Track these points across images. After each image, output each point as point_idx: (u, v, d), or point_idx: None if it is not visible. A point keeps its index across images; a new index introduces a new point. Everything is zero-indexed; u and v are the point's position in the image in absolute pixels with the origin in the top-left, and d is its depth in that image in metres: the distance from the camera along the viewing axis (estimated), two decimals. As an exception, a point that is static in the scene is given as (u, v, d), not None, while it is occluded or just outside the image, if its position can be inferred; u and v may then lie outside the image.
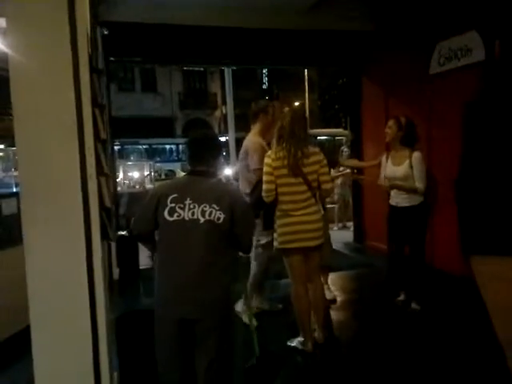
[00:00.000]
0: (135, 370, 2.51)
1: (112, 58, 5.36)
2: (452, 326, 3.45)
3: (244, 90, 19.15)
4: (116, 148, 20.10)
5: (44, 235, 1.86)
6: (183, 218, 2.01)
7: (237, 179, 4.09)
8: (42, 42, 1.78)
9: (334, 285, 4.48)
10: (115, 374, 2.39)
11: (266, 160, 2.96)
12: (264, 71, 22.86)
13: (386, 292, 4.02)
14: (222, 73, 15.47)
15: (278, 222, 2.99)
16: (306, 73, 19.61)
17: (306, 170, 2.90)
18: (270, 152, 3.00)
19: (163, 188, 2.19)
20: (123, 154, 21.65)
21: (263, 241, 3.64)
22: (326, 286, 3.92)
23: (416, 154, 3.59)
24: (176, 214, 2.01)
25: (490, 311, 0.27)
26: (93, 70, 1.92)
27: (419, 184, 3.56)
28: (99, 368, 1.96)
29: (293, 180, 2.90)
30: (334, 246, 4.91)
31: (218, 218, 2.01)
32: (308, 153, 2.90)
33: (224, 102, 17.36)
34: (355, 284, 4.81)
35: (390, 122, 3.77)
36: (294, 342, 3.14)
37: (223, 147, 2.38)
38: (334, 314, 3.83)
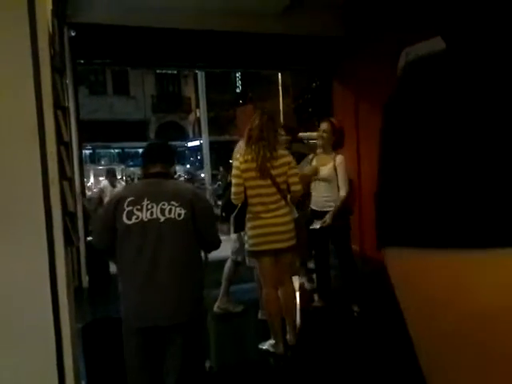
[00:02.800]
0: (103, 379, 2.44)
1: (81, 61, 5.24)
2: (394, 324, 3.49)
3: (218, 94, 19.12)
4: (87, 152, 19.74)
5: (4, 242, 1.78)
6: (142, 219, 1.92)
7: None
8: (0, 40, 1.72)
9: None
10: (82, 384, 2.31)
11: (235, 163, 2.96)
12: (237, 75, 22.89)
13: (342, 297, 4.02)
14: (195, 76, 15.40)
15: (249, 224, 2.98)
16: (279, 76, 19.75)
17: (274, 172, 2.90)
18: (238, 155, 2.99)
19: (119, 194, 2.12)
20: (95, 158, 21.24)
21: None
22: None
23: (340, 158, 3.61)
24: (134, 217, 1.93)
25: (411, 331, 0.25)
26: (55, 70, 1.86)
27: (343, 192, 3.57)
28: (64, 379, 1.89)
29: (261, 182, 2.90)
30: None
31: (179, 215, 1.94)
32: (277, 155, 2.91)
33: (198, 106, 17.29)
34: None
35: (326, 126, 3.70)
36: (266, 345, 3.12)
37: (176, 155, 2.47)
38: (302, 317, 3.85)
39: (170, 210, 1.94)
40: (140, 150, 22.20)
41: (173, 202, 1.95)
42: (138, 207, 1.93)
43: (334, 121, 3.78)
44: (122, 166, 16.52)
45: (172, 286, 1.95)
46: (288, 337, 3.16)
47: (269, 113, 3.18)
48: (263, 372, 2.99)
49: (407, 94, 0.29)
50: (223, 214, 3.38)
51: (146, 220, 1.93)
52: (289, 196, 3.01)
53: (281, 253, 2.97)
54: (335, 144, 3.70)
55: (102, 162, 18.74)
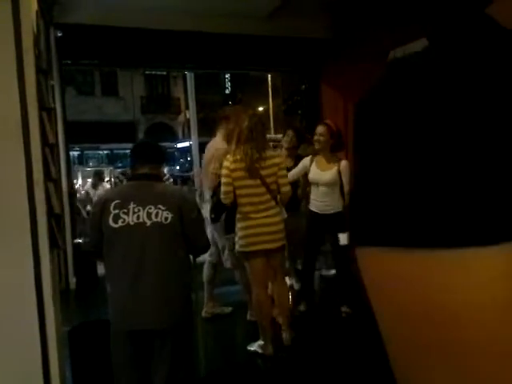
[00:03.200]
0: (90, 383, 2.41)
1: (68, 61, 5.19)
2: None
3: (207, 95, 19.07)
4: (75, 153, 19.54)
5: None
6: (128, 223, 1.90)
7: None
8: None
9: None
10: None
11: (225, 163, 2.97)
12: (226, 76, 22.86)
13: (335, 297, 4.03)
14: (184, 77, 15.33)
15: (239, 224, 2.99)
16: (269, 78, 19.76)
17: (263, 172, 2.92)
18: (228, 155, 3.01)
19: (106, 195, 2.09)
20: (83, 160, 21.04)
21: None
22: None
23: (345, 163, 3.57)
24: (121, 220, 1.90)
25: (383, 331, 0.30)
26: (39, 71, 1.84)
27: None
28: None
29: (250, 182, 2.91)
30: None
31: (166, 218, 1.91)
32: (266, 156, 2.93)
33: (187, 107, 17.22)
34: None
35: (322, 129, 3.62)
36: (254, 346, 3.12)
37: (167, 155, 2.37)
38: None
39: (157, 214, 1.91)
40: (129, 152, 22.02)
41: (159, 206, 1.91)
42: (125, 210, 1.90)
43: (330, 123, 3.71)
44: (111, 168, 16.38)
45: (159, 290, 1.93)
46: (284, 336, 3.16)
47: (258, 115, 3.20)
48: (251, 374, 2.98)
49: (384, 92, 0.29)
50: (212, 216, 3.35)
51: (132, 224, 1.90)
52: (279, 197, 3.02)
53: (271, 253, 2.99)
54: (333, 147, 3.62)
55: (91, 164, 18.57)
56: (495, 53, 0.27)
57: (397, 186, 0.27)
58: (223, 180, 2.95)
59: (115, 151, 22.87)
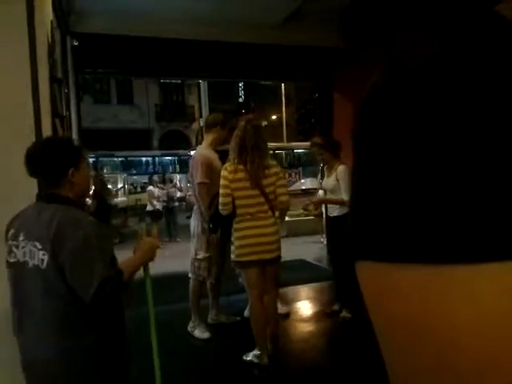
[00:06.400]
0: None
1: (84, 70, 5.29)
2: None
3: (221, 103, 19.22)
4: (91, 160, 19.81)
5: (2, 251, 1.78)
6: (18, 260, 1.50)
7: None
8: None
9: (298, 297, 4.56)
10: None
11: (223, 173, 2.90)
12: (240, 85, 23.01)
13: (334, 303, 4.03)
14: (199, 86, 15.49)
15: (235, 234, 2.93)
16: (282, 87, 19.83)
17: (264, 182, 2.88)
18: (226, 164, 2.94)
19: (13, 217, 1.62)
20: (97, 167, 21.32)
21: (200, 255, 3.49)
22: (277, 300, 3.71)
23: (341, 168, 3.63)
24: (13, 255, 1.51)
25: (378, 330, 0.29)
26: (53, 79, 1.88)
27: (346, 196, 3.52)
28: None
29: (250, 192, 2.86)
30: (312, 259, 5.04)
31: (42, 261, 1.44)
32: (269, 164, 2.91)
33: (201, 115, 17.34)
34: (314, 296, 4.90)
35: (315, 149, 3.85)
36: (250, 356, 3.05)
37: (68, 156, 1.56)
38: (290, 326, 3.83)
39: (34, 254, 1.46)
40: (143, 159, 22.31)
41: (36, 243, 1.46)
42: (15, 243, 1.52)
43: (316, 140, 3.91)
44: (125, 175, 16.57)
45: (38, 348, 1.52)
46: (268, 346, 3.06)
47: (258, 122, 3.26)
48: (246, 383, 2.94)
49: (388, 95, 0.27)
50: (211, 226, 3.23)
51: (21, 261, 1.50)
52: (277, 208, 2.96)
53: (267, 263, 2.93)
54: (333, 153, 3.81)
55: (105, 170, 18.79)
56: (505, 50, 0.25)
57: (397, 196, 0.25)
58: (221, 191, 2.87)
59: (129, 158, 23.15)
